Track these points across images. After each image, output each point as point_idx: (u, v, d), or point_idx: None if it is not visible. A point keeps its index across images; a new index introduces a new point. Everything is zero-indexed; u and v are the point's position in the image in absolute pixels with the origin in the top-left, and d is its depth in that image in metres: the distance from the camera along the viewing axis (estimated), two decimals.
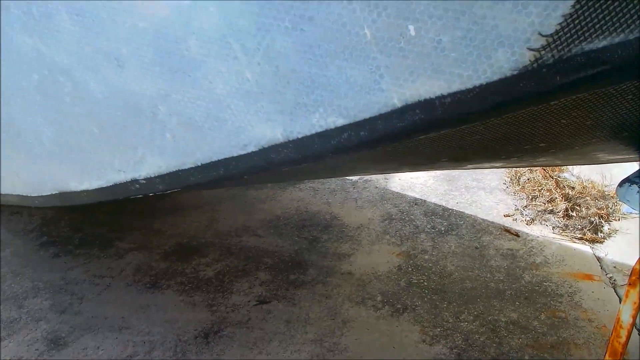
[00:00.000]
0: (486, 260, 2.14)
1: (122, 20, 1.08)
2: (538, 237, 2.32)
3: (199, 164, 1.14)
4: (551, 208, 2.52)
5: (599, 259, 2.18)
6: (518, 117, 0.95)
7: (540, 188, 2.68)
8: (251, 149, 1.07)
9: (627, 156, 1.24)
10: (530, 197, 2.64)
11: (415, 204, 2.59)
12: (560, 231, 2.35)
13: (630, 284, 1.08)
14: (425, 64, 0.88)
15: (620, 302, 1.86)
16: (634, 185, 1.02)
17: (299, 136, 1.01)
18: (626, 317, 1.10)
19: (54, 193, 1.52)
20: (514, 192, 2.72)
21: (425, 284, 1.98)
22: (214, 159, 1.12)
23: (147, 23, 1.05)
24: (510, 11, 0.80)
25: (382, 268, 2.07)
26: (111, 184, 1.32)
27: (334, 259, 2.13)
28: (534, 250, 2.22)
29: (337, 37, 0.90)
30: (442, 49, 0.86)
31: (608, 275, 2.08)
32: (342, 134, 0.98)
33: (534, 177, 2.80)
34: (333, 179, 2.78)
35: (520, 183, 2.78)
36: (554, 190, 2.63)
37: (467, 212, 2.53)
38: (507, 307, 1.86)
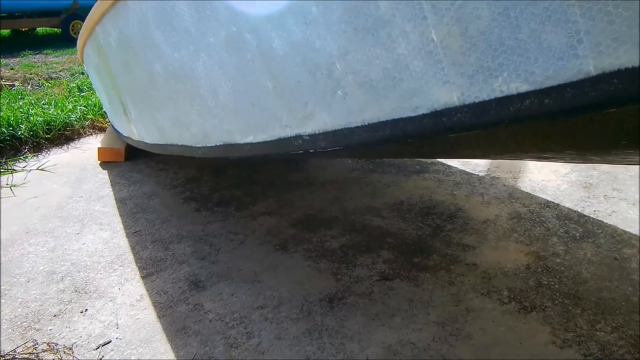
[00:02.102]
0: (627, 273, 1.98)
1: None
2: None
3: (366, 123, 1.17)
4: None
5: None
6: None
7: None
8: (422, 111, 1.07)
9: None
10: None
11: (547, 207, 2.46)
12: None
13: None
14: (632, 30, 0.83)
15: None
16: None
17: (477, 100, 1.00)
18: None
19: (219, 144, 1.64)
20: None
21: (557, 286, 1.88)
22: (382, 119, 1.14)
23: None
24: None
25: (509, 265, 2.00)
26: (275, 138, 1.39)
27: (458, 249, 2.09)
28: None
29: None
30: None
31: None
32: (524, 101, 0.96)
33: None
34: (457, 171, 2.72)
35: None
36: None
37: (606, 221, 2.35)
38: None
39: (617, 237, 2.23)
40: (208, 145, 1.71)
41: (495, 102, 0.99)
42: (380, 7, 1.04)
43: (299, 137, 1.33)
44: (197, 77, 1.57)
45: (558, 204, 2.49)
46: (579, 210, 2.44)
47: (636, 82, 0.85)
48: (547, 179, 2.75)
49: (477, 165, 2.95)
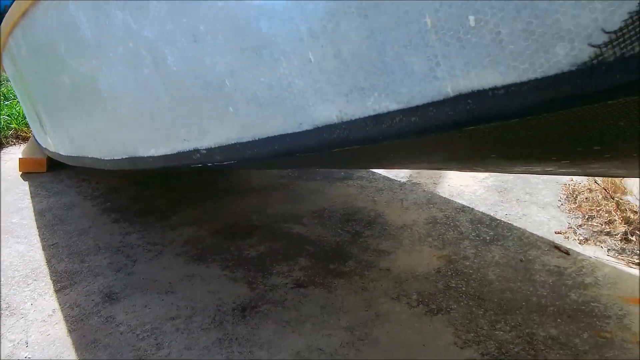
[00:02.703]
0: (530, 274, 2.10)
1: (203, 0, 1.15)
2: (590, 257, 2.25)
3: (256, 139, 1.20)
4: (608, 230, 2.44)
5: None
6: (572, 115, 0.95)
7: (598, 208, 2.60)
8: (306, 127, 1.11)
9: None
10: (587, 216, 2.56)
11: (462, 211, 2.57)
12: (616, 254, 2.27)
13: None
14: (481, 55, 0.90)
15: None
16: None
17: (353, 118, 1.05)
18: None
19: (124, 157, 1.63)
20: (568, 210, 2.65)
21: (464, 289, 1.97)
22: (271, 134, 1.17)
23: (225, 4, 1.12)
24: (573, 6, 0.80)
25: (421, 269, 2.08)
26: (175, 152, 1.41)
27: (374, 255, 2.16)
28: (584, 270, 2.16)
29: (399, 24, 0.94)
30: (500, 41, 0.88)
31: None
32: (394, 119, 1.01)
33: (592, 197, 2.72)
34: (381, 178, 2.80)
35: (577, 201, 2.70)
36: (613, 212, 2.54)
37: (515, 224, 2.48)
38: (547, 323, 1.82)
39: (524, 239, 2.36)
40: (115, 158, 1.70)
41: (369, 120, 1.04)
42: (262, 29, 1.07)
43: (197, 150, 1.35)
44: (101, 91, 1.56)
45: (473, 209, 2.61)
46: (492, 214, 2.56)
47: (487, 103, 0.92)
48: (465, 184, 2.87)
49: (400, 172, 3.05)
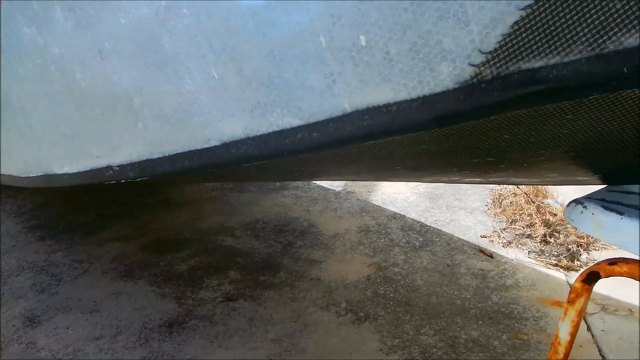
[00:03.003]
0: (456, 278, 2.18)
1: (107, 16, 1.14)
2: (512, 260, 2.35)
3: (166, 155, 1.19)
4: (529, 233, 2.56)
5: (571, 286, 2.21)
6: (462, 129, 1.00)
7: (521, 212, 2.73)
8: (214, 143, 1.12)
9: (583, 178, 1.29)
10: (510, 220, 2.68)
11: (394, 218, 2.64)
12: (536, 256, 2.39)
13: (569, 302, 1.12)
14: (374, 73, 0.93)
15: (587, 329, 1.90)
16: (579, 205, 1.07)
17: (258, 134, 1.07)
18: (564, 334, 1.14)
19: (39, 174, 1.58)
20: (494, 214, 2.76)
21: (392, 295, 2.02)
22: (180, 150, 1.17)
23: (128, 20, 1.11)
24: (453, 28, 0.85)
25: (351, 277, 2.11)
26: (88, 169, 1.38)
27: (306, 265, 2.17)
28: (506, 272, 2.26)
29: (295, 43, 0.96)
30: (390, 60, 0.92)
31: None
32: (297, 134, 1.03)
33: (516, 201, 2.85)
34: (316, 187, 2.83)
35: (502, 206, 2.82)
36: (534, 215, 2.67)
37: (444, 230, 2.57)
38: (469, 325, 1.89)
39: (452, 244, 2.45)
40: (30, 175, 1.65)
41: (273, 135, 1.05)
42: (165, 45, 1.07)
43: (109, 167, 1.33)
44: (14, 107, 1.52)
45: (404, 216, 2.68)
46: (422, 221, 2.64)
47: (382, 118, 0.96)
48: (398, 191, 2.95)
49: (335, 181, 3.09)
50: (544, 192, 2.90)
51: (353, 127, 0.98)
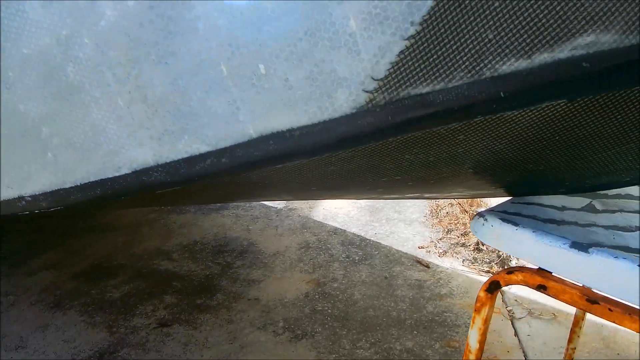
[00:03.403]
0: (393, 289, 2.22)
1: (9, 46, 1.13)
2: (447, 268, 2.42)
3: (78, 184, 1.18)
4: (464, 241, 2.65)
5: (502, 292, 2.30)
6: (365, 151, 1.04)
7: (456, 222, 2.82)
8: (125, 171, 1.12)
9: (488, 192, 1.36)
10: (447, 230, 2.76)
11: (335, 233, 2.67)
12: (469, 264, 2.47)
13: (475, 311, 1.17)
14: (275, 100, 0.96)
15: (514, 334, 1.98)
16: (481, 218, 1.12)
17: (167, 160, 1.07)
18: (473, 342, 1.18)
19: None
20: (432, 225, 2.84)
21: (330, 311, 2.04)
22: (91, 179, 1.16)
23: (31, 50, 1.10)
24: (345, 57, 0.89)
25: (289, 295, 2.12)
26: (0, 200, 1.34)
27: (244, 285, 2.17)
28: (441, 281, 2.32)
29: (198, 71, 0.98)
30: (290, 87, 0.95)
31: (508, 308, 2.19)
32: (206, 160, 1.05)
33: (452, 211, 2.94)
34: (257, 206, 2.84)
35: (439, 216, 2.91)
36: (468, 225, 2.76)
37: (383, 242, 2.62)
38: (404, 336, 1.94)
39: (390, 256, 2.50)
40: None
41: (183, 162, 1.06)
42: (69, 74, 1.07)
43: (21, 198, 1.29)
44: None
45: (345, 230, 2.72)
46: (362, 234, 2.68)
47: (287, 143, 0.98)
48: (339, 206, 2.99)
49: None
50: (478, 202, 3.01)
51: (260, 152, 1.00)
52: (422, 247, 2.60)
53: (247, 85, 0.95)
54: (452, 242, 2.63)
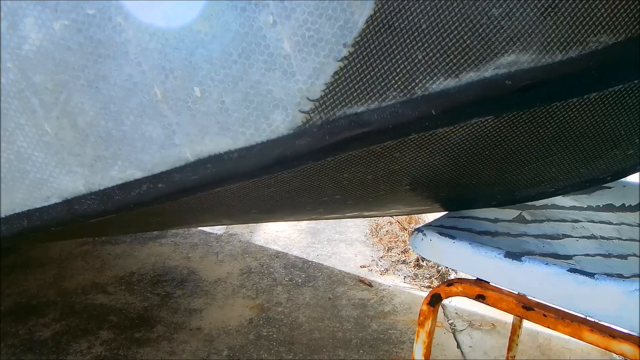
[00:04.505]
0: (337, 310, 2.22)
1: None
2: (390, 286, 2.46)
3: (3, 216, 1.11)
4: (404, 258, 2.70)
5: (443, 306, 2.35)
6: (304, 171, 1.05)
7: (396, 239, 2.87)
8: (54, 200, 1.06)
9: (425, 207, 1.40)
10: (387, 248, 2.81)
11: (277, 257, 2.65)
12: (411, 280, 2.52)
13: (419, 325, 1.18)
14: (212, 122, 0.95)
15: (457, 346, 2.02)
16: (420, 233, 1.15)
17: (100, 188, 1.03)
18: (419, 356, 1.20)
19: None
20: (372, 244, 2.88)
21: (275, 336, 2.01)
22: (17, 210, 1.09)
23: None
24: (280, 78, 0.90)
25: (233, 322, 2.07)
26: None
27: (185, 315, 2.10)
28: (384, 299, 2.35)
29: (130, 95, 0.95)
30: (226, 110, 0.94)
31: (450, 322, 2.24)
32: (142, 186, 1.01)
33: (392, 229, 3.00)
34: (197, 232, 2.77)
35: (379, 235, 2.96)
36: (407, 242, 2.83)
37: (325, 264, 2.63)
38: (350, 356, 1.93)
39: (333, 277, 2.50)
40: None
41: (117, 188, 1.02)
42: None
43: None
44: None
45: (287, 253, 2.70)
46: (304, 257, 2.68)
47: (225, 166, 0.97)
48: (280, 229, 2.97)
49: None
50: (416, 219, 3.09)
51: (198, 176, 0.99)
52: (364, 266, 2.63)
53: (182, 108, 0.94)
54: (392, 260, 2.68)
